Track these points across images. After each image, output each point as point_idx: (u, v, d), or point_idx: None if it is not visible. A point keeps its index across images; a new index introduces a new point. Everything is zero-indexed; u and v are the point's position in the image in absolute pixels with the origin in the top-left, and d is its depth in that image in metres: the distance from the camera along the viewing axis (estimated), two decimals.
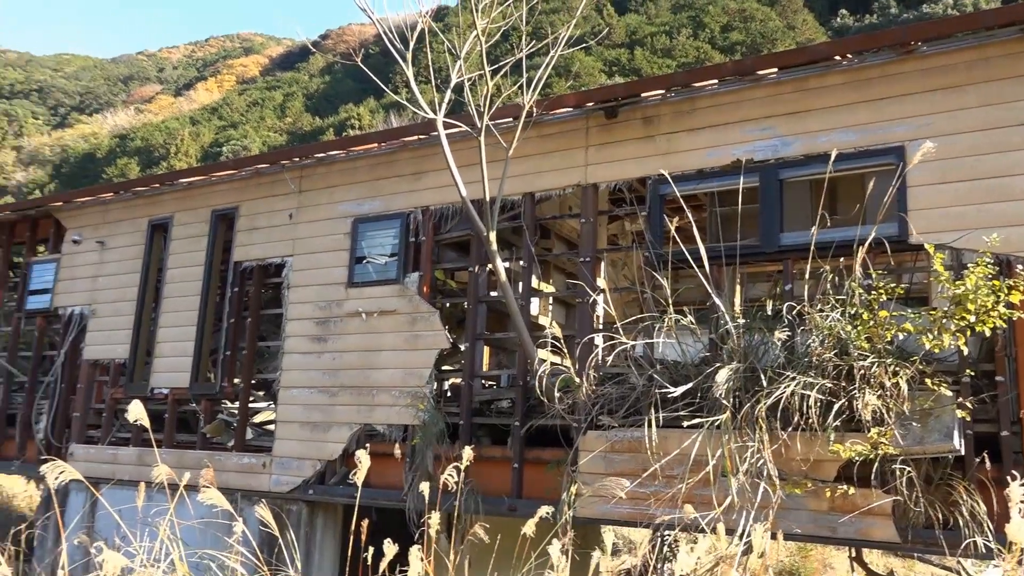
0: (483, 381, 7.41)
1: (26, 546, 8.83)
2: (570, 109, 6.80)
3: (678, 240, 5.56)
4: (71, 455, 9.32)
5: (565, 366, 6.25)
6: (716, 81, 6.25)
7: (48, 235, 10.65)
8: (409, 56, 5.92)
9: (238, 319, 8.61)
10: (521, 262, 7.14)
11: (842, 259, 5.42)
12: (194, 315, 8.76)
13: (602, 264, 7.13)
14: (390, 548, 3.55)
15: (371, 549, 4.16)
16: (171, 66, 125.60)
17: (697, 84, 6.32)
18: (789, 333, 5.20)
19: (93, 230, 10.01)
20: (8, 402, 10.43)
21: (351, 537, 4.30)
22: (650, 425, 5.26)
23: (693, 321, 5.57)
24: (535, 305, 7.93)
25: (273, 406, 8.69)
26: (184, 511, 5.35)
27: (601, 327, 6.80)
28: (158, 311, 9.15)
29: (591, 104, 6.66)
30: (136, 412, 3.70)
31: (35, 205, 10.72)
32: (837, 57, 5.80)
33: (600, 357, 6.07)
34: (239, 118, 77.50)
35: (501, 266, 6.25)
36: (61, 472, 4.82)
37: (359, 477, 3.67)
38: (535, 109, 6.52)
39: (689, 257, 5.61)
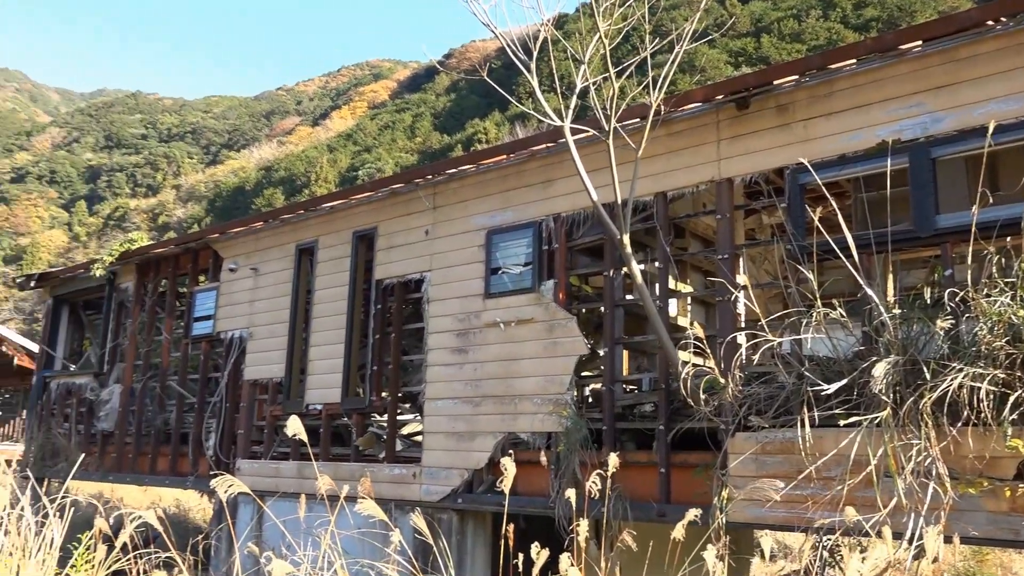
0: (624, 385, 7.34)
1: (203, 555, 9.48)
2: (699, 104, 6.64)
3: (822, 230, 5.31)
4: (238, 469, 9.92)
5: (709, 367, 6.09)
6: (854, 61, 5.95)
7: (208, 265, 11.42)
8: (533, 66, 5.97)
9: (382, 335, 8.93)
10: (656, 263, 7.03)
11: (1008, 239, 5.01)
12: (341, 333, 9.15)
13: (741, 260, 6.92)
14: (540, 554, 3.56)
15: (521, 556, 4.20)
16: (307, 98, 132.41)
17: (834, 66, 6.03)
18: (952, 321, 4.85)
19: (247, 258, 10.66)
20: (181, 422, 11.24)
21: (501, 544, 4.35)
22: (803, 425, 5.04)
23: (843, 314, 5.30)
24: (673, 306, 7.78)
25: (419, 418, 8.95)
26: (343, 521, 5.58)
27: (744, 325, 6.59)
28: (309, 331, 9.62)
29: (721, 97, 6.49)
30: (295, 427, 3.89)
31: (195, 238, 11.52)
32: (990, 23, 5.39)
33: (745, 356, 5.88)
34: (372, 142, 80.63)
35: (636, 268, 6.17)
36: (230, 486, 5.14)
37: (506, 485, 3.71)
38: (662, 107, 6.41)
39: (835, 247, 5.35)
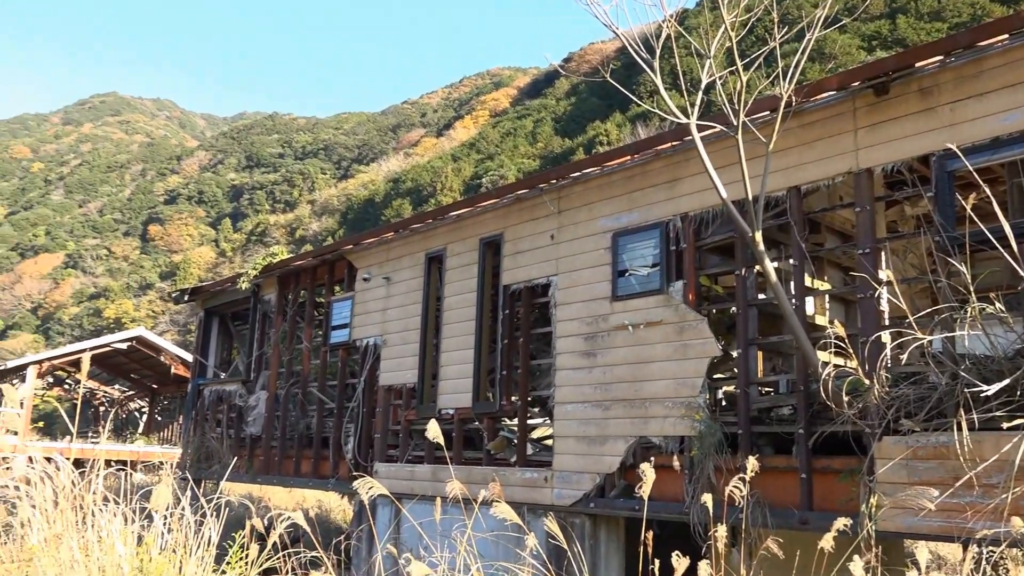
0: (759, 388, 7.10)
1: (345, 555, 9.85)
2: (833, 92, 6.35)
3: (975, 219, 4.95)
4: (375, 472, 10.25)
5: (851, 367, 5.80)
6: (1006, 36, 5.53)
7: (343, 275, 11.88)
8: (656, 63, 5.88)
9: (511, 340, 9.01)
10: (791, 260, 6.76)
11: None
12: (471, 338, 9.30)
13: (883, 254, 6.56)
14: (680, 561, 3.48)
15: (657, 562, 4.12)
16: (431, 110, 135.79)
17: (983, 43, 5.62)
18: None
19: (379, 267, 11.02)
20: (322, 426, 11.73)
21: (638, 549, 4.28)
22: (959, 428, 4.72)
23: (1002, 309, 4.92)
24: (810, 304, 7.46)
25: (549, 422, 8.97)
26: (476, 524, 5.65)
27: (888, 323, 6.24)
28: (439, 337, 9.83)
29: (857, 84, 6.18)
30: (434, 431, 3.98)
31: (330, 250, 12.01)
32: None
33: (890, 356, 5.56)
34: (495, 149, 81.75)
35: (770, 266, 5.96)
36: (371, 488, 5.31)
37: (644, 490, 3.65)
38: (793, 98, 6.17)
39: (991, 237, 4.98)
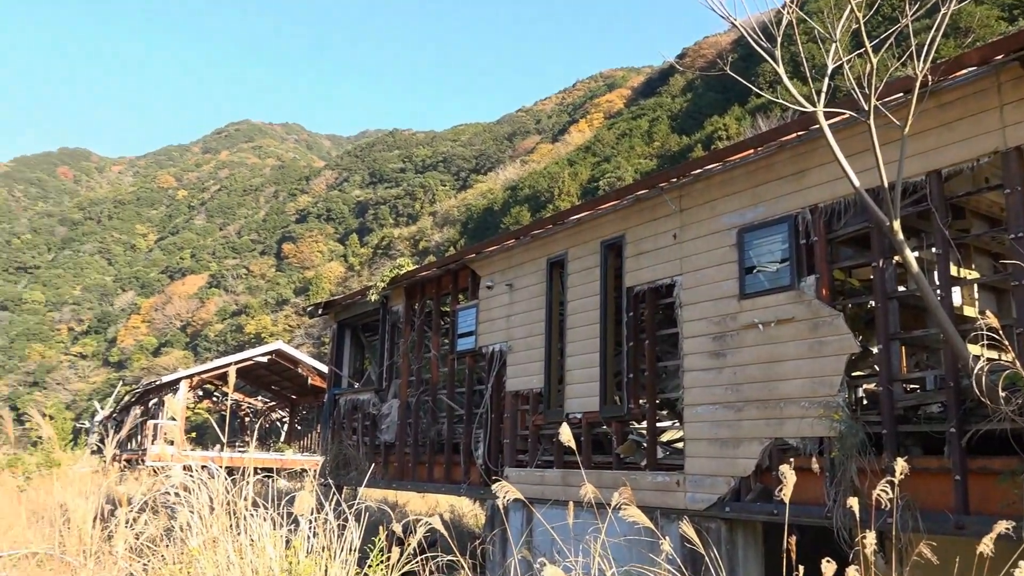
0: (904, 385, 6.72)
1: (480, 558, 9.99)
2: (974, 68, 5.96)
3: None
4: (505, 477, 10.36)
5: (1006, 361, 5.40)
6: None
7: (467, 284, 12.09)
8: (777, 52, 5.68)
9: (636, 342, 8.91)
10: (934, 249, 6.37)
11: None
12: (596, 342, 9.26)
13: None
14: (828, 567, 3.33)
15: (801, 569, 3.96)
16: (546, 116, 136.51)
17: None
18: None
19: (502, 275, 11.15)
20: (452, 432, 11.96)
21: (775, 556, 4.13)
22: None
23: None
24: (957, 295, 7.00)
25: (678, 424, 8.81)
26: (608, 528, 5.61)
27: None
28: (564, 341, 9.84)
29: (1001, 57, 5.77)
30: (566, 435, 3.99)
31: (453, 260, 12.26)
32: None
33: None
34: (611, 151, 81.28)
35: (911, 256, 5.63)
36: (507, 492, 5.37)
37: (785, 494, 3.52)
38: (929, 77, 5.82)
39: None
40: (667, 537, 5.45)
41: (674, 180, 8.50)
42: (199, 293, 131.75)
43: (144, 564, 4.92)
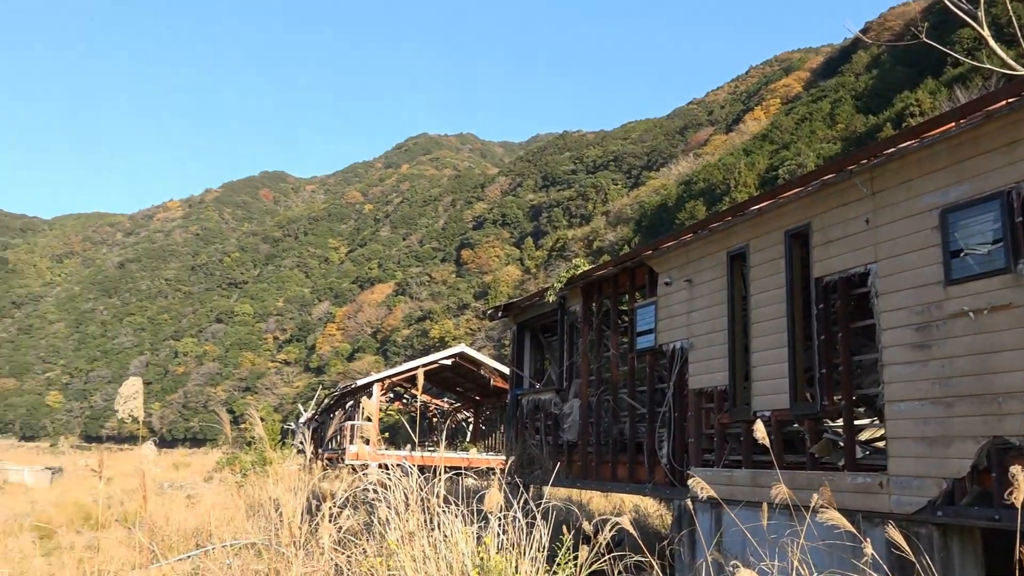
0: None
1: (669, 559, 9.82)
2: None
3: None
4: (691, 477, 10.10)
5: None
6: None
7: (644, 281, 11.93)
8: (980, 12, 5.18)
9: (828, 335, 8.42)
10: None
11: None
12: (783, 336, 8.84)
13: None
14: None
15: None
16: (718, 106, 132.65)
17: None
18: None
19: (680, 270, 10.91)
20: (635, 432, 11.84)
21: (1004, 566, 3.74)
22: None
23: None
24: None
25: (878, 422, 8.23)
26: (805, 531, 5.33)
27: None
28: (748, 337, 9.48)
29: None
30: (760, 433, 3.83)
31: (630, 257, 12.13)
32: None
33: None
34: (789, 138, 77.70)
35: None
36: (701, 488, 5.24)
37: (1016, 498, 3.18)
38: None
39: None
40: (871, 542, 5.10)
41: (864, 162, 7.95)
42: (387, 301, 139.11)
43: (348, 556, 5.21)
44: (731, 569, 5.34)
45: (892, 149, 7.60)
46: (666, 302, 11.16)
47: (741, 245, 9.71)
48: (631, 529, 4.49)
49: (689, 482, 4.25)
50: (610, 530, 5.24)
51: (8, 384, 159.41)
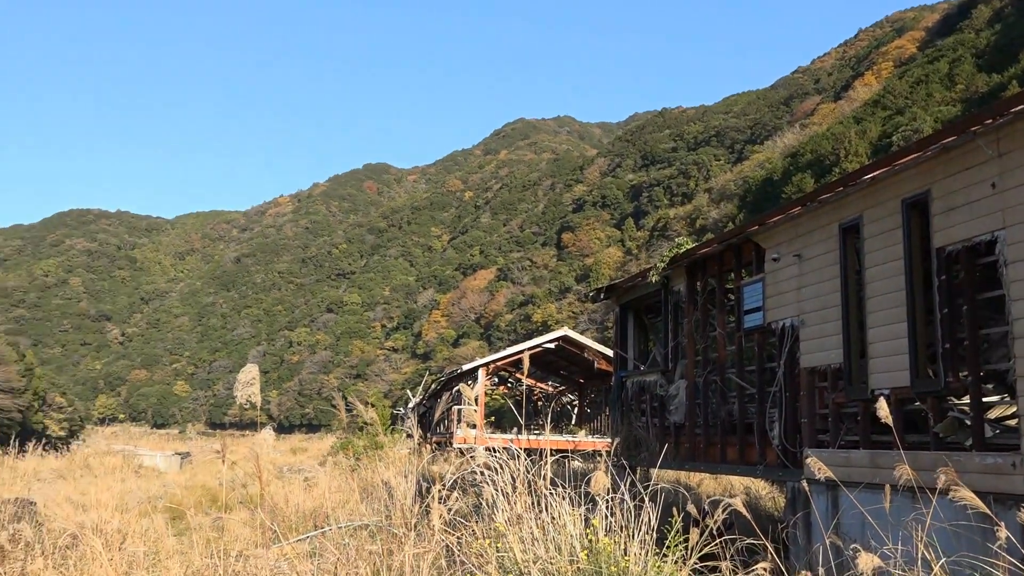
0: None
1: (781, 543, 9.55)
2: None
3: None
4: (806, 458, 9.78)
5: None
6: None
7: (751, 258, 11.59)
8: None
9: (951, 308, 7.96)
10: None
11: None
12: (901, 311, 8.42)
13: None
14: None
15: None
16: (825, 74, 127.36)
17: None
18: None
19: (788, 245, 10.54)
20: (744, 412, 11.56)
21: None
22: None
23: None
24: None
25: (1009, 399, 7.74)
26: (930, 514, 5.07)
27: None
28: (864, 312, 9.07)
29: None
30: (883, 412, 3.66)
31: (735, 234, 11.81)
32: None
33: None
34: (903, 102, 73.83)
35: None
36: (819, 471, 5.06)
37: None
38: None
39: None
40: (1004, 525, 4.81)
41: (989, 122, 7.44)
42: (489, 286, 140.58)
43: (458, 538, 5.30)
44: (851, 553, 5.13)
45: (1021, 107, 7.08)
46: (774, 279, 10.81)
47: (854, 217, 9.29)
48: (744, 511, 4.37)
49: (806, 462, 4.10)
50: (722, 512, 5.13)
51: (140, 375, 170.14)
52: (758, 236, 11.21)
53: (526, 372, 6.53)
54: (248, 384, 5.87)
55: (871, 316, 8.91)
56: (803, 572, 6.01)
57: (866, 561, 4.40)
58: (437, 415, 37.13)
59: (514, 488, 5.32)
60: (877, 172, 8.88)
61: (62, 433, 70.68)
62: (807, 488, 9.37)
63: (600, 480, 4.80)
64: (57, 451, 34.99)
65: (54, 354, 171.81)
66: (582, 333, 43.38)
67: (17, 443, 25.99)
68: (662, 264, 13.56)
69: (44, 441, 38.55)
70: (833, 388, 9.58)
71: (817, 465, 5.31)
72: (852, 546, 4.57)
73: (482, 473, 5.47)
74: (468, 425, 32.61)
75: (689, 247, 13.22)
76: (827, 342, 9.65)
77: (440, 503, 5.12)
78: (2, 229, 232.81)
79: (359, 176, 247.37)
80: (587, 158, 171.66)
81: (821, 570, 5.68)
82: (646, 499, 5.60)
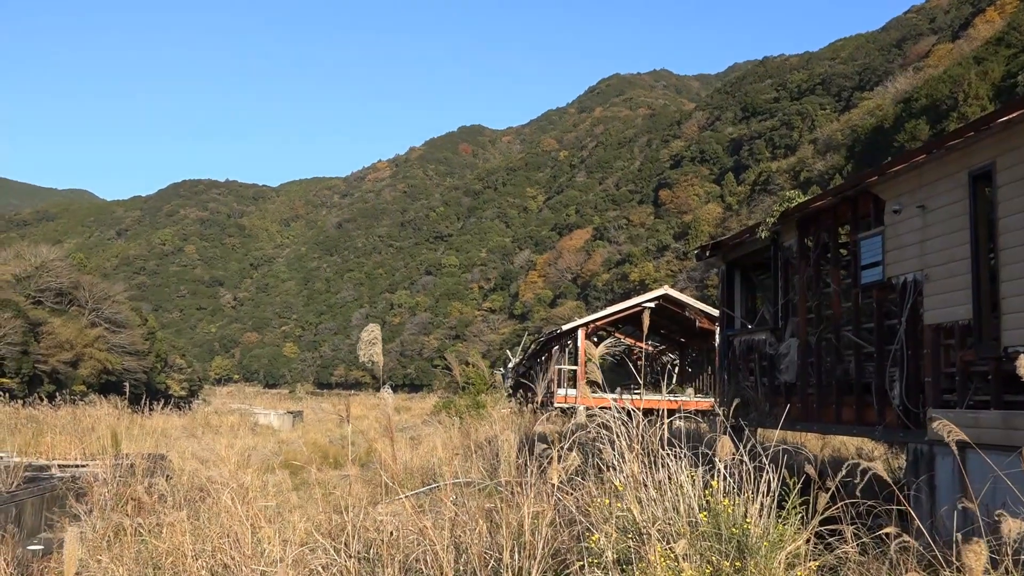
0: None
1: (905, 506, 9.18)
2: None
3: None
4: (930, 419, 9.34)
5: None
6: None
7: (868, 211, 11.04)
8: None
9: None
10: None
11: None
12: None
13: None
14: None
15: None
16: (941, 12, 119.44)
17: None
18: None
19: (910, 196, 9.97)
20: (861, 371, 11.11)
21: None
22: None
23: None
24: None
25: None
26: None
27: None
28: (996, 264, 8.52)
29: None
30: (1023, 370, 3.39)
31: (851, 185, 11.26)
32: None
33: None
34: None
35: None
36: (948, 432, 4.80)
37: None
38: None
39: None
40: None
41: None
42: (585, 246, 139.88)
43: (575, 497, 5.28)
44: (990, 519, 4.86)
45: None
46: (895, 231, 10.27)
47: (985, 164, 8.69)
48: (884, 474, 4.18)
49: (934, 425, 3.88)
50: (846, 472, 4.94)
51: (252, 338, 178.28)
52: (877, 187, 10.65)
53: (645, 331, 6.38)
54: (371, 343, 5.99)
55: (1004, 269, 8.36)
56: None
57: (1013, 527, 4.15)
58: (540, 375, 37.43)
59: (630, 448, 5.26)
60: (1012, 115, 8.25)
61: (183, 393, 75.02)
62: (926, 451, 8.96)
63: (725, 446, 4.67)
64: (180, 409, 37.15)
65: (173, 318, 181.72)
66: (681, 291, 42.64)
67: (147, 402, 27.69)
68: (772, 219, 13.09)
69: (168, 400, 40.96)
70: (961, 345, 9.08)
71: (945, 426, 5.03)
72: (997, 512, 4.32)
73: (599, 433, 5.43)
74: (569, 385, 32.70)
75: (801, 200, 12.70)
76: (954, 297, 9.13)
77: (557, 462, 5.11)
78: (123, 201, 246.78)
79: (454, 139, 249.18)
80: (684, 112, 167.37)
81: (957, 535, 5.41)
82: (765, 461, 5.44)
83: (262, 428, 34.08)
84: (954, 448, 5.12)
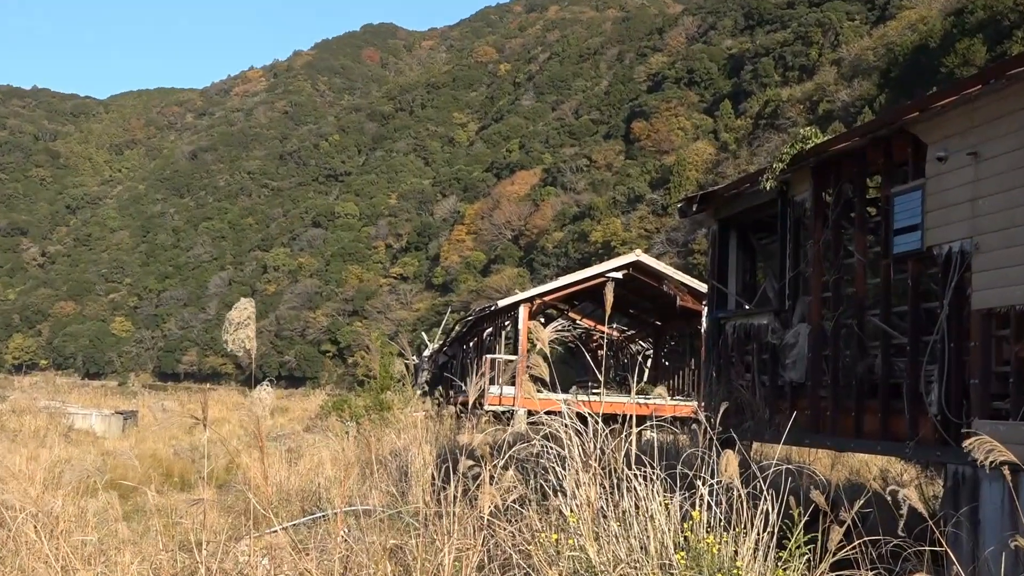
0: None
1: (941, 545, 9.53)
2: None
3: None
4: (975, 432, 9.67)
5: None
6: None
7: (905, 157, 11.30)
8: None
9: None
10: None
11: None
12: None
13: None
14: None
15: None
16: None
17: None
18: None
19: (960, 139, 10.24)
20: (889, 370, 11.42)
21: None
22: None
23: None
24: None
25: None
26: None
27: None
28: None
29: None
30: None
31: (885, 123, 11.49)
32: None
33: None
34: None
35: None
36: (988, 452, 4.98)
37: None
38: None
39: None
40: None
41: None
42: (532, 194, 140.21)
43: (510, 531, 5.33)
44: None
45: None
46: (938, 185, 10.56)
47: None
48: (919, 505, 4.33)
49: (970, 440, 4.03)
50: (864, 502, 5.10)
51: (67, 308, 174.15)
52: (917, 126, 10.92)
53: (609, 310, 6.33)
54: (242, 325, 5.89)
55: None
56: None
57: None
58: (466, 367, 37.57)
59: (586, 467, 5.33)
60: None
61: None
62: (967, 474, 9.31)
63: (731, 464, 4.76)
64: None
65: None
66: (658, 258, 43.12)
67: None
68: (780, 165, 13.29)
69: None
70: (1018, 337, 9.42)
71: (984, 443, 5.20)
72: None
73: (544, 447, 5.48)
74: (531, 379, 32.86)
75: (819, 142, 12.93)
76: (1013, 274, 9.45)
77: (491, 484, 5.14)
78: None
79: (356, 41, 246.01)
80: (669, 17, 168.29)
81: None
82: (763, 485, 5.57)
83: (80, 434, 33.44)
84: (1006, 472, 5.31)
